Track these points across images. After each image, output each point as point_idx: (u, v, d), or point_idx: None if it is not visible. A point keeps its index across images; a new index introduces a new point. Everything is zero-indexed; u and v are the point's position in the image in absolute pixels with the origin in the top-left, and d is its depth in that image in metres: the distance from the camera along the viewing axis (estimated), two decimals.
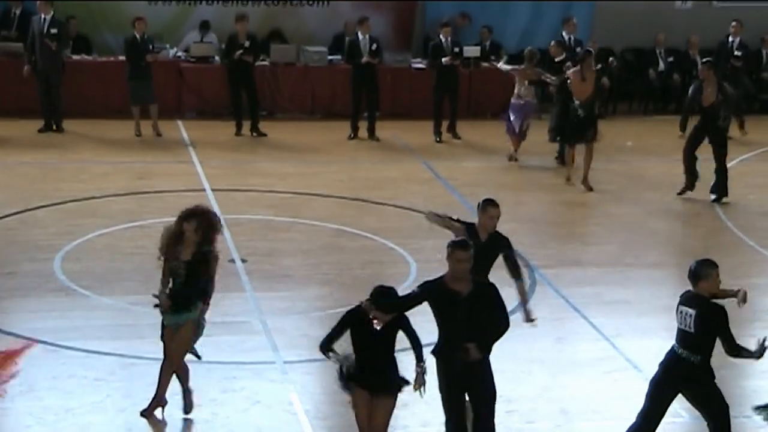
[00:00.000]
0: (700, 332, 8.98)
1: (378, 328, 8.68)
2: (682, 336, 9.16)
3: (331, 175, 18.83)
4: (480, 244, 10.09)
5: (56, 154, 19.40)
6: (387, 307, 8.69)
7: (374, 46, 21.22)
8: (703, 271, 9.09)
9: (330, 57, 23.34)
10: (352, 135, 21.28)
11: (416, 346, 8.80)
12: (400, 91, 22.97)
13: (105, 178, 17.89)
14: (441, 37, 21.46)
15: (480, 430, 9.01)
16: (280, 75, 23.01)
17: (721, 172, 17.95)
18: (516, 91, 19.71)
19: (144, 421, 9.93)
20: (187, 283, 9.80)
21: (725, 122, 17.73)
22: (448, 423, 9.06)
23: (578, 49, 22.36)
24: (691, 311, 9.03)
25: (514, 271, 10.42)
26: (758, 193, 18.65)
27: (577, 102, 18.32)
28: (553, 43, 20.40)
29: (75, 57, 22.27)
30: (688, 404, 10.68)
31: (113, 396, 10.41)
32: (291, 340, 11.91)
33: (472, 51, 22.80)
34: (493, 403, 9.01)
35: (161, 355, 11.17)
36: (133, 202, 16.58)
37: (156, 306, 9.87)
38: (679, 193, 18.00)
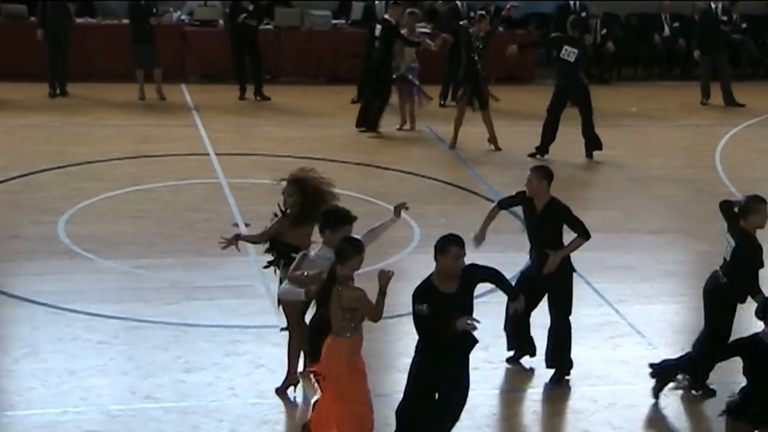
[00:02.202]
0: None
1: None
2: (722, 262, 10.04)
3: (335, 139, 18.81)
4: (537, 215, 10.23)
5: (60, 118, 19.39)
6: None
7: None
8: (752, 206, 9.74)
9: (334, 21, 23.28)
10: (357, 99, 21.23)
11: None
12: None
13: (109, 142, 17.88)
14: (458, 2, 21.43)
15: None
16: (284, 39, 22.96)
17: (588, 129, 17.98)
18: (413, 56, 19.13)
19: (146, 383, 9.95)
20: None
21: (575, 80, 17.69)
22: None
23: (583, 14, 22.38)
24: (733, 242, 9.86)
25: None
26: (762, 158, 18.63)
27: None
28: (482, 15, 19.16)
29: (79, 20, 22.20)
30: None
31: (117, 359, 10.43)
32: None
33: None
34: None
35: (164, 319, 11.22)
36: (136, 166, 16.57)
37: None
38: (531, 155, 17.83)
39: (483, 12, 19.34)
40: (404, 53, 19.04)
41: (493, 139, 18.33)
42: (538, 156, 17.74)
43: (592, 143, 18.01)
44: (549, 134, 17.88)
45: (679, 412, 10.08)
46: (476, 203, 15.48)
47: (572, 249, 10.21)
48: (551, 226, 10.21)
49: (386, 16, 19.54)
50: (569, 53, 17.56)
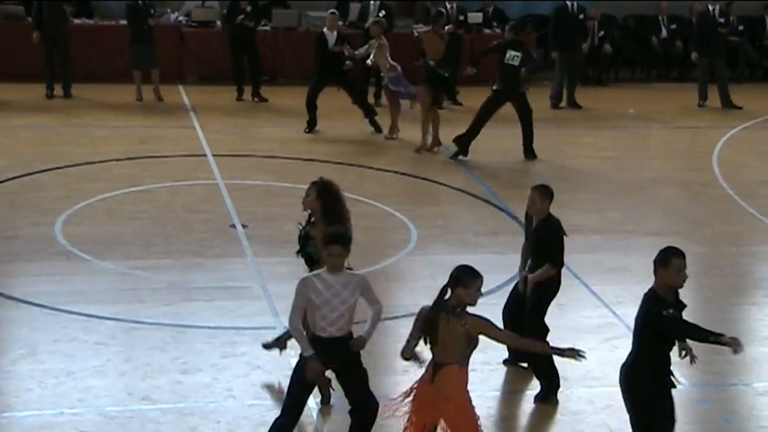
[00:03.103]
0: None
1: None
2: None
3: (333, 140, 18.81)
4: (532, 230, 10.16)
5: (58, 118, 19.38)
6: None
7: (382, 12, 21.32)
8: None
9: None
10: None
11: None
12: (402, 57, 22.89)
13: (106, 143, 17.88)
14: (447, 4, 21.46)
15: None
16: (282, 40, 22.98)
17: (528, 135, 17.97)
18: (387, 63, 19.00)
19: (144, 385, 9.95)
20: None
21: (516, 85, 17.68)
22: None
23: (581, 16, 22.40)
24: None
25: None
26: (760, 160, 18.65)
27: (432, 62, 18.20)
28: (439, 12, 19.40)
29: (77, 21, 22.22)
30: (687, 371, 10.74)
31: (114, 360, 10.43)
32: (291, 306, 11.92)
33: (474, 17, 22.74)
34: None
35: (162, 320, 11.22)
36: (134, 167, 16.56)
37: None
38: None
39: (441, 10, 19.62)
40: (380, 61, 19.00)
41: (435, 139, 18.37)
42: (460, 157, 17.72)
43: (532, 149, 17.99)
44: (475, 131, 17.80)
45: (678, 413, 10.07)
46: (473, 205, 15.49)
47: (540, 276, 10.09)
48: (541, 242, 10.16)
49: (325, 29, 19.57)
50: (513, 57, 17.55)
